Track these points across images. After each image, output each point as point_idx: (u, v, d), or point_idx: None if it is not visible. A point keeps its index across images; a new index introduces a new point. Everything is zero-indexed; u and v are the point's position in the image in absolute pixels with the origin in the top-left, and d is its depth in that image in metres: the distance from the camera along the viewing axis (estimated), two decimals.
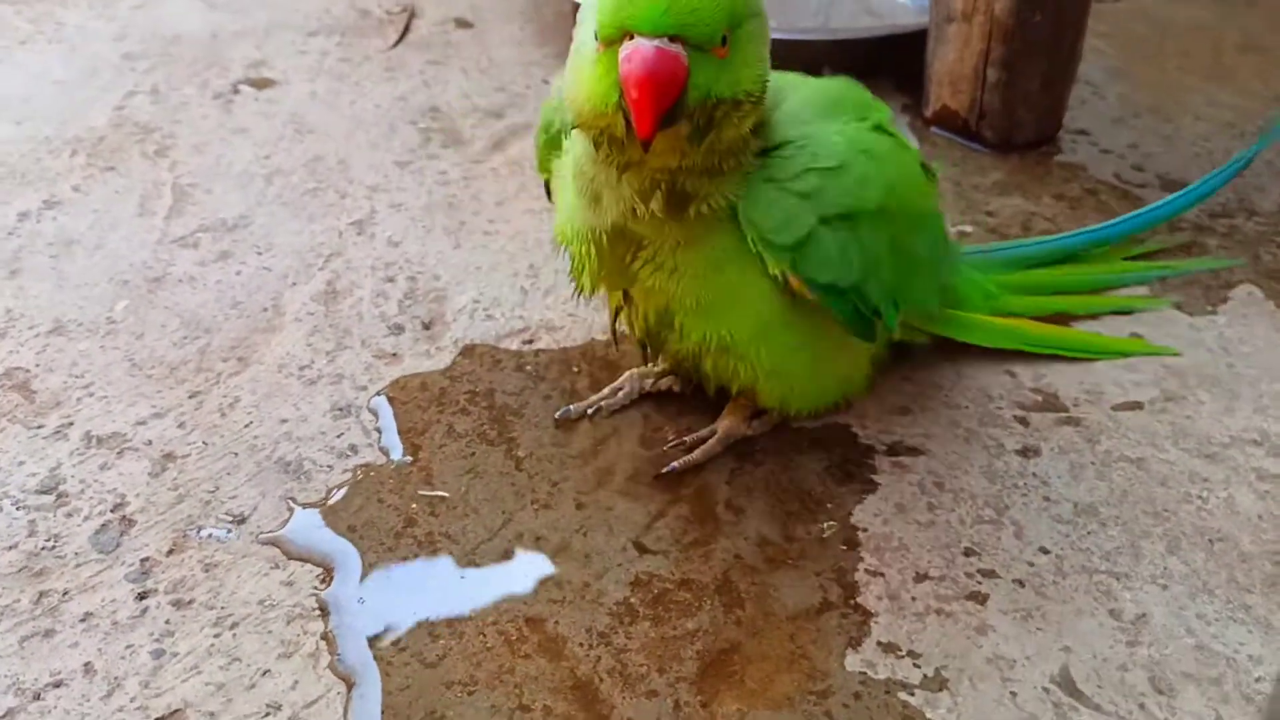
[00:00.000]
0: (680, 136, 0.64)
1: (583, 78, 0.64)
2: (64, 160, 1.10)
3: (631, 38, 0.60)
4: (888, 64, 1.29)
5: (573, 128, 0.69)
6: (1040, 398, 0.86)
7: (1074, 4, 1.11)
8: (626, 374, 0.85)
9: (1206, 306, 0.96)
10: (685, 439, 0.81)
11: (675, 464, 0.79)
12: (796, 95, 0.75)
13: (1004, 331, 0.90)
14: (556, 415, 0.83)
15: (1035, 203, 1.09)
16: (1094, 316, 0.95)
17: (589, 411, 0.83)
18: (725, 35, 0.62)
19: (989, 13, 1.10)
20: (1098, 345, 0.92)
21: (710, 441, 0.80)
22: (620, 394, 0.84)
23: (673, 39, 0.60)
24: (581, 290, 0.78)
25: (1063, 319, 0.94)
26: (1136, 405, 0.86)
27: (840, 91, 0.79)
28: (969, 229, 1.05)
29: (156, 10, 1.41)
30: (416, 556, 0.72)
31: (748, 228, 0.69)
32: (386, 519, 0.75)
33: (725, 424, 0.81)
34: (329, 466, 0.78)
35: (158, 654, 0.66)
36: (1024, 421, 0.84)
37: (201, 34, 1.36)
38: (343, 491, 0.77)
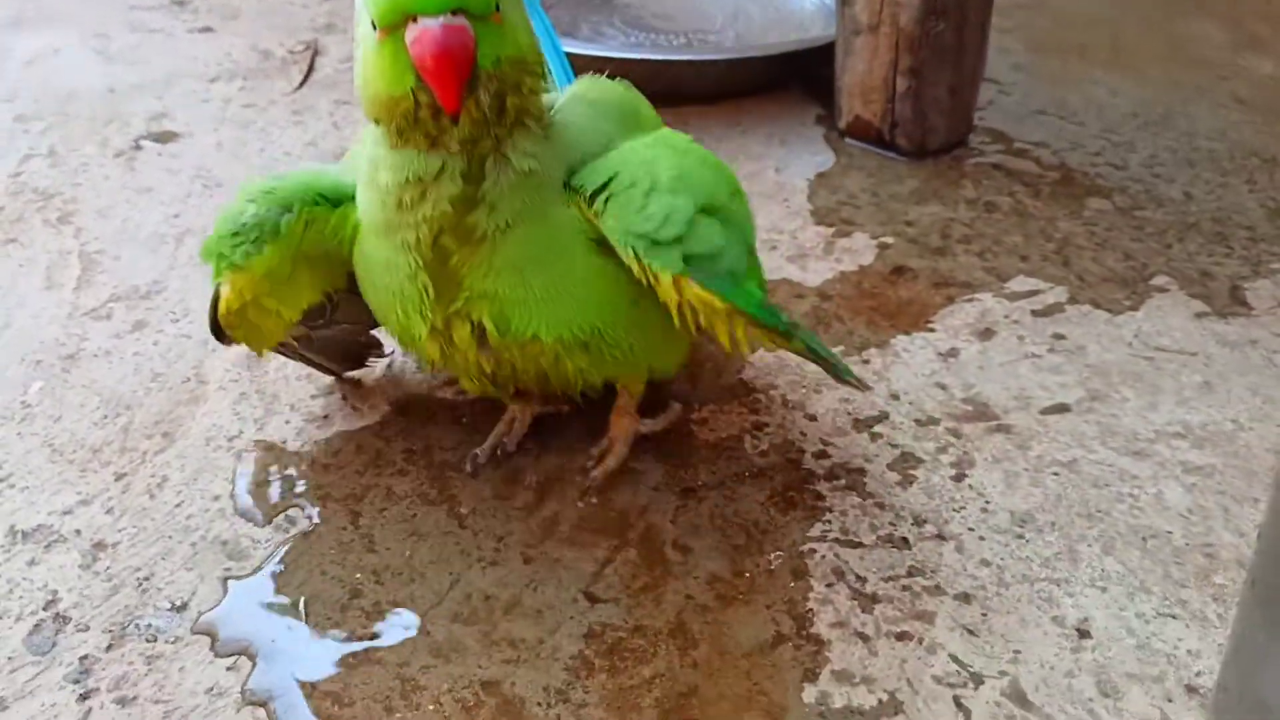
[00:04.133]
0: (482, 106, 0.65)
1: (372, 70, 0.65)
2: None
3: (414, 19, 0.62)
4: (799, 75, 1.30)
5: (373, 120, 0.68)
6: (971, 408, 0.88)
7: (976, 9, 1.13)
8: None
9: (1125, 303, 0.99)
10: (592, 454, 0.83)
11: (594, 473, 0.81)
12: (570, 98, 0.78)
13: None
14: (467, 467, 0.82)
15: (953, 209, 1.11)
16: None
17: (497, 452, 0.83)
18: (497, 3, 0.65)
19: (894, 24, 1.11)
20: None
21: (614, 449, 0.82)
22: (516, 423, 0.84)
23: (454, 13, 0.62)
24: (423, 357, 0.78)
25: None
26: (1064, 408, 0.88)
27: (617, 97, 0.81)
28: (890, 240, 1.07)
29: (49, 66, 1.36)
30: (365, 629, 0.71)
31: (622, 236, 0.69)
32: (331, 592, 0.73)
33: (616, 430, 0.83)
34: (267, 540, 0.77)
35: None
36: (957, 434, 0.86)
37: (98, 89, 1.31)
38: (284, 567, 0.75)
